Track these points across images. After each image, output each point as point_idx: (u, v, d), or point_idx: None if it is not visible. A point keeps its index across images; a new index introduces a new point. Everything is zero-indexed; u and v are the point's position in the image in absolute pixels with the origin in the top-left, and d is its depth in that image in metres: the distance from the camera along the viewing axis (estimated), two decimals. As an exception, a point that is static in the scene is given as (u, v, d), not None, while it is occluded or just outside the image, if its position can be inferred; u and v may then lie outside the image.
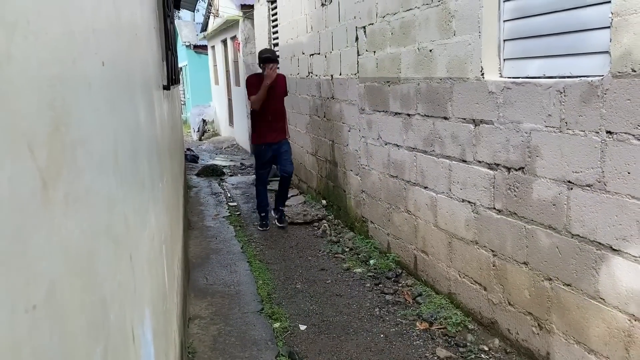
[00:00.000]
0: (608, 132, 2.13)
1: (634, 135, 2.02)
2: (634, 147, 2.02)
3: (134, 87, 1.10)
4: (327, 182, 5.85)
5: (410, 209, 3.86)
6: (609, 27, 2.09)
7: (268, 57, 5.12)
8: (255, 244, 4.93)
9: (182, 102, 20.04)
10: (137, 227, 0.93)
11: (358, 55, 4.60)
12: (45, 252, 0.41)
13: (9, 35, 0.35)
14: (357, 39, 4.60)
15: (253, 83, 5.17)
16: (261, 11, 8.81)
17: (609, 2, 2.08)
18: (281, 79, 5.35)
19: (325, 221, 5.44)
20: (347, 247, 4.67)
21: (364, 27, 4.42)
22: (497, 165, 2.83)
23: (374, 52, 4.25)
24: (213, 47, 15.30)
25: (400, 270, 4.00)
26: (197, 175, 8.44)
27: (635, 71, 1.98)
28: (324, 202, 5.96)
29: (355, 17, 4.60)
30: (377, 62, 4.20)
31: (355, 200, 4.95)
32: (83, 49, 0.61)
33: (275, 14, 7.85)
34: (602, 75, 2.15)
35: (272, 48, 8.32)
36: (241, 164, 9.63)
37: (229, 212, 6.08)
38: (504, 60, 2.87)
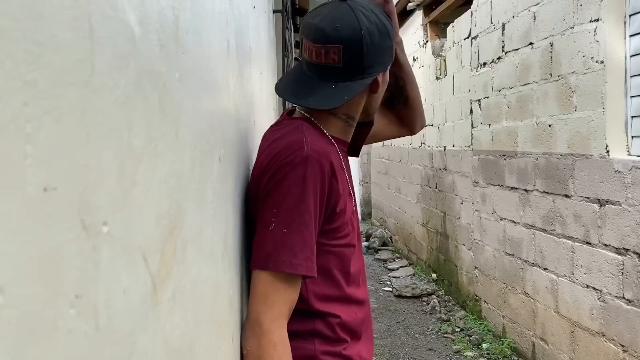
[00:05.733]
0: None
1: None
2: None
3: (246, 174, 1.18)
4: (437, 255, 5.68)
5: (528, 291, 3.61)
6: None
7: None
8: (362, 315, 4.85)
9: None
10: (240, 307, 0.98)
11: (472, 127, 4.54)
12: (148, 351, 0.45)
13: (135, 167, 0.41)
14: (471, 111, 4.56)
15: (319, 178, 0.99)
16: (377, 83, 9.09)
17: None
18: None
19: (435, 296, 5.24)
20: (458, 327, 4.43)
21: (479, 100, 4.38)
22: (626, 250, 2.58)
23: (489, 125, 4.17)
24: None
25: (516, 358, 3.70)
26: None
27: None
28: (434, 275, 5.77)
29: (469, 90, 4.58)
30: (492, 135, 4.11)
31: (468, 276, 4.74)
32: (205, 150, 0.68)
33: (390, 86, 8.06)
34: None
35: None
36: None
37: (337, 280, 6.08)
38: (632, 137, 2.67)
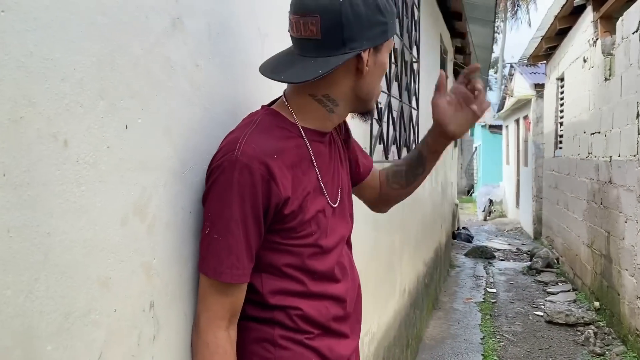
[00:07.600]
0: None
1: None
2: None
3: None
4: (601, 280, 4.97)
5: (691, 328, 2.97)
6: None
7: None
8: (500, 338, 4.48)
9: (474, 182, 20.03)
10: (176, 277, 1.01)
11: (638, 134, 3.90)
12: None
13: None
14: (637, 115, 3.93)
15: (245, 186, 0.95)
16: (550, 89, 8.34)
17: None
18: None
19: (592, 327, 4.59)
20: (612, 364, 3.83)
21: (646, 102, 3.76)
22: None
23: (655, 130, 3.55)
24: (507, 127, 15.02)
25: (673, 408, 3.07)
26: (466, 255, 8.21)
27: None
28: (596, 304, 5.05)
29: (636, 92, 3.96)
30: (659, 142, 3.49)
31: (630, 307, 4.06)
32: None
33: (563, 92, 7.33)
34: None
35: (558, 127, 7.71)
36: (517, 249, 8.98)
37: (483, 298, 5.69)
38: None
